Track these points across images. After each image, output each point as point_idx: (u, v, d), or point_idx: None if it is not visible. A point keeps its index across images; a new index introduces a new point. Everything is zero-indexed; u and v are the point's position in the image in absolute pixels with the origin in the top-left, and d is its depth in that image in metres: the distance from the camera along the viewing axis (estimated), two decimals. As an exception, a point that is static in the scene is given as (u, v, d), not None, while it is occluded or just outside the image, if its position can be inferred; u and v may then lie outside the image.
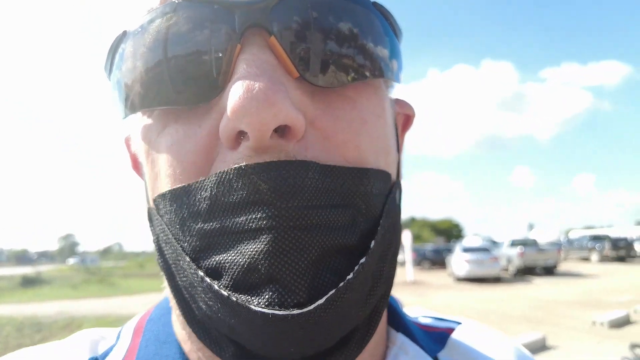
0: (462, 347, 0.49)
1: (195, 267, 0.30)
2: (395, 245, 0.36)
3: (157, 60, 0.31)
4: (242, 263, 0.28)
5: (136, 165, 0.43)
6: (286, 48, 0.30)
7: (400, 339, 0.45)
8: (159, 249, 0.35)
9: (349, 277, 0.29)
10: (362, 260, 0.30)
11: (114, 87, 0.35)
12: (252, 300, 0.28)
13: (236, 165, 0.29)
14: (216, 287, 0.29)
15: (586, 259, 27.02)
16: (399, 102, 0.45)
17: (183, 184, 0.31)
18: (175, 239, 0.32)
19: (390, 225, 0.34)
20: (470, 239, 37.61)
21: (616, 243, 25.33)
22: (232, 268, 0.28)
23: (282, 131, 0.29)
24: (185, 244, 0.31)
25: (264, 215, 0.28)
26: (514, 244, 21.97)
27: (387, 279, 0.35)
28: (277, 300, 0.27)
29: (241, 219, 0.28)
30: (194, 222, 0.30)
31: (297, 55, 0.30)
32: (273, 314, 0.27)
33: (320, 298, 0.27)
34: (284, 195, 0.28)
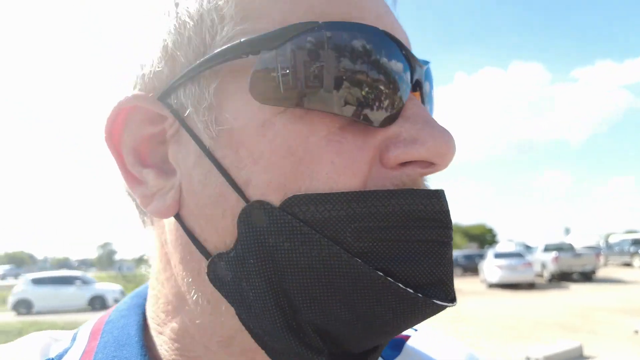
0: (418, 354, 0.52)
1: (370, 266, 0.33)
2: None
3: (353, 74, 0.33)
4: (419, 267, 0.33)
5: (115, 140, 0.39)
6: (422, 102, 0.40)
7: None
8: (263, 250, 0.34)
9: None
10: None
11: (276, 67, 0.33)
12: (433, 295, 0.34)
13: (423, 188, 0.36)
14: (401, 285, 0.33)
15: (628, 265, 25.91)
16: None
17: (357, 190, 0.34)
18: (329, 239, 0.33)
19: None
20: (504, 245, 36.71)
21: (660, 247, 24.24)
22: (408, 271, 0.33)
23: None
24: (348, 246, 0.33)
25: (439, 232, 0.34)
26: (547, 248, 21.35)
27: None
28: (444, 296, 0.34)
29: (419, 231, 0.34)
30: (366, 226, 0.33)
31: None
32: (446, 305, 0.34)
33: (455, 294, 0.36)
34: (449, 216, 0.36)
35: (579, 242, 33.43)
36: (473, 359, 0.55)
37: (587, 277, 19.97)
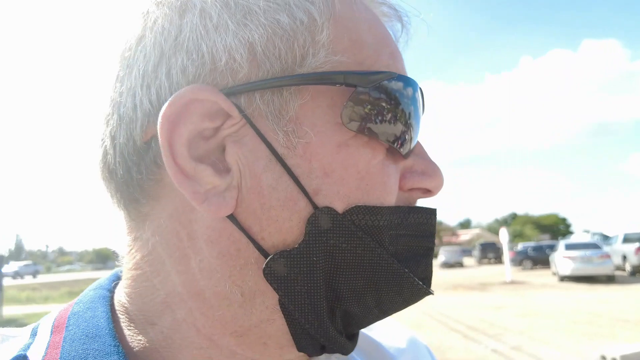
0: (366, 336, 0.58)
1: (399, 264, 0.42)
2: None
3: (407, 116, 0.43)
4: (423, 267, 0.45)
5: (172, 130, 0.38)
6: None
7: None
8: (324, 249, 0.39)
9: None
10: None
11: (365, 102, 0.40)
12: (427, 286, 0.45)
13: (429, 207, 0.46)
14: (419, 282, 0.43)
15: None
16: None
17: (394, 205, 0.43)
18: (376, 242, 0.41)
19: None
20: (579, 235, 34.29)
21: None
22: (418, 269, 0.44)
23: None
24: (386, 248, 0.41)
25: (433, 241, 0.46)
26: (627, 239, 19.63)
27: None
28: (429, 287, 0.45)
29: (425, 240, 0.45)
30: (396, 233, 0.42)
31: None
32: (431, 292, 0.45)
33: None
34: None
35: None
36: (415, 342, 0.62)
37: (676, 269, 18.10)
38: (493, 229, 77.30)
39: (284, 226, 0.39)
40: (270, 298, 0.40)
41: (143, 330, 0.42)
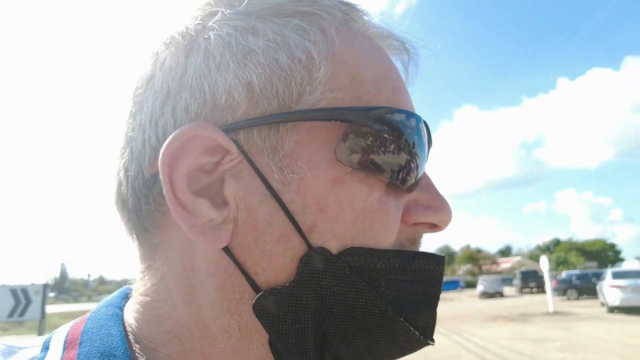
0: None
1: (395, 313, 0.40)
2: None
3: (408, 150, 0.42)
4: (421, 316, 0.42)
5: (172, 164, 0.40)
6: None
7: None
8: (315, 290, 0.39)
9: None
10: None
11: (360, 137, 0.40)
12: (428, 337, 0.43)
13: (435, 253, 0.44)
14: (413, 330, 0.41)
15: None
16: None
17: (387, 247, 0.41)
18: (371, 287, 0.39)
19: None
20: (630, 263, 32.42)
21: None
22: (417, 318, 0.42)
23: None
24: (381, 293, 0.40)
25: (439, 289, 0.44)
26: (683, 267, 18.35)
27: None
28: (432, 337, 0.44)
29: (429, 287, 0.43)
30: (395, 278, 0.41)
31: None
32: (431, 343, 0.43)
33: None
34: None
35: None
36: None
37: None
38: (535, 256, 74.18)
39: (277, 262, 0.39)
40: (264, 335, 0.40)
41: (152, 354, 0.42)
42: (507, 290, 36.82)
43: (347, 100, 0.40)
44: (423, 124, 0.44)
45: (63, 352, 0.42)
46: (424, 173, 0.45)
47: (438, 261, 0.43)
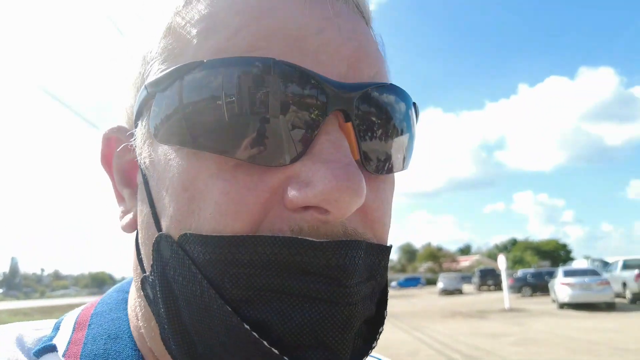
0: None
1: (238, 317, 0.32)
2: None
3: (238, 112, 0.32)
4: (293, 325, 0.31)
5: (108, 163, 0.45)
6: (356, 135, 0.35)
7: None
8: (163, 279, 0.35)
9: (373, 344, 0.37)
10: (381, 329, 0.38)
11: (161, 108, 0.35)
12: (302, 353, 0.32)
13: (312, 239, 0.32)
14: (266, 343, 0.31)
15: None
16: None
17: (234, 234, 0.32)
18: (208, 281, 0.32)
19: (387, 290, 0.41)
20: (579, 262, 34.08)
21: None
22: (281, 327, 0.31)
23: None
24: (224, 291, 0.32)
25: (328, 289, 0.32)
26: (628, 265, 19.43)
27: None
28: None
29: (302, 285, 0.32)
30: (243, 273, 0.32)
31: (363, 143, 0.35)
32: None
33: None
34: (348, 274, 0.32)
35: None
36: None
37: (677, 297, 17.90)
38: (493, 255, 76.81)
39: (147, 250, 0.38)
40: None
41: (151, 338, 0.42)
42: (466, 287, 37.89)
43: (169, 68, 0.36)
44: (285, 68, 0.33)
45: (72, 333, 0.44)
46: (325, 136, 0.33)
47: (320, 250, 0.32)
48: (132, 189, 0.43)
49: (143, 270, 0.39)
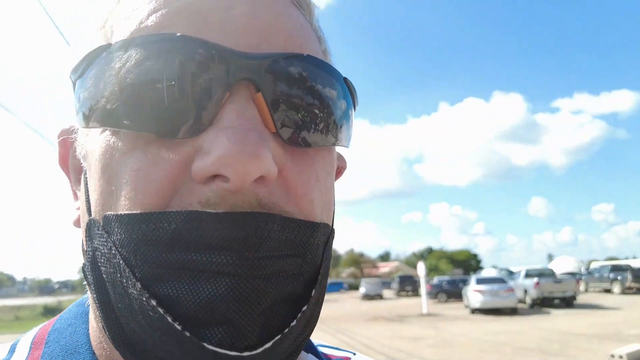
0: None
1: (147, 294, 0.31)
2: (325, 289, 0.40)
3: (143, 86, 0.32)
4: (198, 301, 0.30)
5: (65, 164, 0.46)
6: (269, 106, 0.34)
7: (310, 359, 0.52)
8: (94, 264, 0.35)
9: (292, 323, 0.34)
10: (304, 308, 0.35)
11: (82, 94, 0.36)
12: (205, 337, 0.30)
13: (212, 211, 0.31)
14: (169, 319, 0.30)
15: (608, 291, 26.29)
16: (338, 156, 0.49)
17: (145, 210, 0.32)
18: (124, 261, 0.32)
19: (326, 272, 0.39)
20: (488, 271, 36.90)
21: (639, 274, 24.64)
22: (187, 304, 0.30)
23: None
24: (137, 270, 0.32)
25: (229, 261, 0.30)
26: (529, 274, 21.57)
27: (316, 320, 0.39)
28: (229, 342, 0.30)
29: (204, 259, 0.30)
30: (151, 250, 0.31)
31: (277, 114, 0.34)
32: (225, 353, 0.30)
33: (268, 342, 0.32)
34: (252, 246, 0.31)
35: (560, 268, 33.78)
36: None
37: (568, 303, 20.16)
38: (411, 262, 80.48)
39: (82, 237, 0.39)
40: None
41: (111, 348, 0.40)
42: (386, 293, 39.23)
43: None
44: (185, 41, 0.33)
45: (29, 353, 0.43)
46: (229, 106, 0.33)
47: (219, 221, 0.31)
48: (81, 186, 0.42)
49: (84, 259, 0.39)
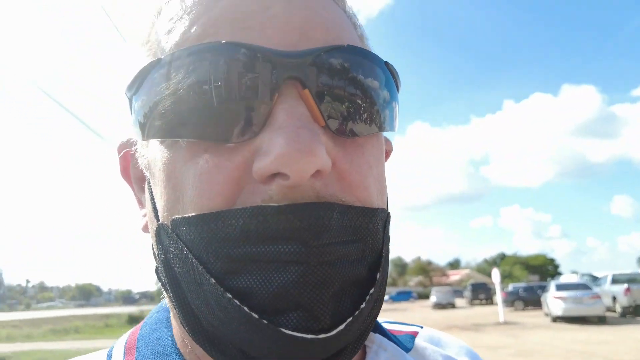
0: (427, 347, 0.56)
1: (222, 288, 0.33)
2: (387, 271, 0.42)
3: (195, 96, 0.34)
4: (271, 290, 0.32)
5: (127, 175, 0.49)
6: (317, 101, 0.35)
7: (378, 338, 0.51)
8: (167, 265, 0.38)
9: (362, 306, 0.35)
10: (372, 290, 0.37)
11: (138, 109, 0.38)
12: (281, 323, 0.32)
13: (275, 204, 0.33)
14: (246, 309, 0.32)
15: None
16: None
17: (213, 211, 0.34)
18: (197, 259, 0.35)
19: (387, 254, 0.41)
20: (568, 276, 34.52)
21: None
22: (260, 293, 0.32)
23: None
24: (210, 266, 0.34)
25: (296, 250, 0.32)
26: (616, 280, 20.03)
27: (382, 301, 0.41)
28: (304, 325, 0.32)
29: (272, 250, 0.33)
30: (222, 247, 0.34)
31: (325, 107, 0.35)
32: (302, 337, 0.32)
33: (341, 324, 0.34)
34: (315, 234, 0.33)
35: (654, 273, 30.84)
36: (472, 354, 0.60)
37: (665, 311, 18.38)
38: (482, 269, 77.28)
39: (153, 242, 0.41)
40: None
41: (197, 348, 0.43)
42: (458, 301, 37.99)
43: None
44: (230, 47, 0.35)
45: (124, 358, 0.47)
46: (280, 106, 0.34)
47: (282, 213, 0.33)
48: (145, 194, 0.44)
49: (156, 262, 0.42)
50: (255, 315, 0.32)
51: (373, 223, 0.38)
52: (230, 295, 0.33)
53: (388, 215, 0.43)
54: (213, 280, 0.34)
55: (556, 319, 18.33)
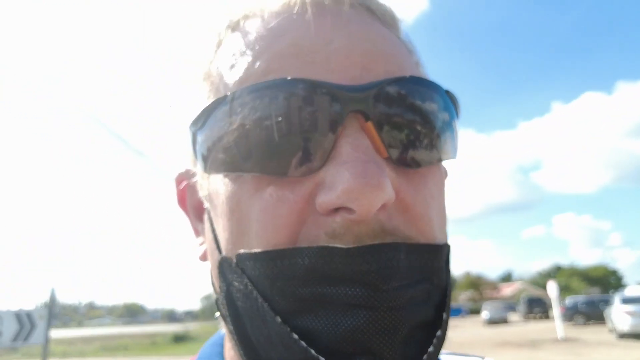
0: None
1: (288, 328, 0.33)
2: (450, 309, 0.40)
3: (260, 131, 0.35)
4: (339, 333, 0.32)
5: (184, 204, 0.52)
6: (379, 132, 0.35)
7: None
8: (229, 298, 0.38)
9: (430, 349, 0.35)
10: (439, 333, 0.36)
11: (202, 143, 0.39)
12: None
13: (342, 246, 0.33)
14: (313, 352, 0.32)
15: None
16: None
17: (276, 245, 0.35)
18: (261, 295, 0.35)
19: (449, 292, 0.39)
20: (634, 288, 32.06)
21: None
22: (328, 336, 0.32)
23: None
24: (275, 304, 0.34)
25: (365, 294, 0.32)
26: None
27: (444, 339, 0.38)
28: None
29: (340, 292, 0.32)
30: (287, 285, 0.34)
31: (387, 139, 0.36)
32: None
33: None
34: (384, 278, 0.32)
35: None
36: None
37: None
38: (536, 282, 73.55)
39: (214, 273, 0.42)
40: None
41: None
42: (511, 316, 36.26)
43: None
44: (295, 83, 0.35)
45: None
46: (344, 139, 0.35)
47: (350, 256, 0.32)
48: (204, 223, 0.47)
49: (217, 294, 0.42)
50: (322, 358, 0.32)
51: (438, 260, 0.38)
52: (296, 337, 0.33)
53: (449, 248, 0.42)
54: (279, 319, 0.34)
55: (623, 336, 16.78)
